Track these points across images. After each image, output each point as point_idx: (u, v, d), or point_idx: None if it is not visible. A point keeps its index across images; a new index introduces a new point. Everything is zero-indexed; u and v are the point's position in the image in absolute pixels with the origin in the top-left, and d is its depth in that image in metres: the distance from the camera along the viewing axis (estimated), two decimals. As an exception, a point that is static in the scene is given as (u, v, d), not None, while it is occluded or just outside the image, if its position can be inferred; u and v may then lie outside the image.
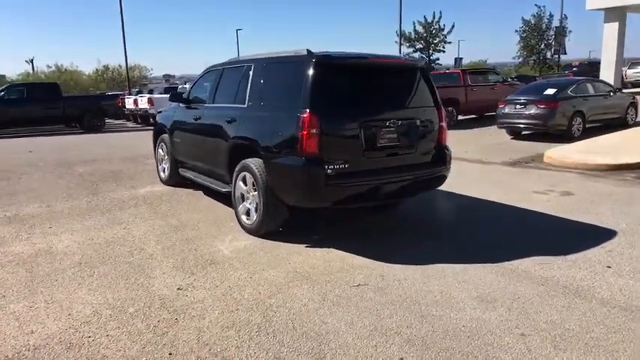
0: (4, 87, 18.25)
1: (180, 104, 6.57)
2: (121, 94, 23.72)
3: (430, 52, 38.15)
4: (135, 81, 49.55)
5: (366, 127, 4.35)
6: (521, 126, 12.41)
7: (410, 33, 37.86)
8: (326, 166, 4.17)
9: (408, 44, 37.56)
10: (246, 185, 4.87)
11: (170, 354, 2.75)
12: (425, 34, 37.80)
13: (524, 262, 4.14)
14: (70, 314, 3.22)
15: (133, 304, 3.36)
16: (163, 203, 6.20)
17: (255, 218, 4.77)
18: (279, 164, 4.36)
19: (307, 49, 4.44)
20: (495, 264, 4.12)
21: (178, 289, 3.63)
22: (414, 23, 37.99)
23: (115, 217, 5.59)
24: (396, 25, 33.60)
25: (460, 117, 16.74)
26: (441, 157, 4.98)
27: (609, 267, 4.07)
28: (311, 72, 4.20)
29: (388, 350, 2.80)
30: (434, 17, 37.91)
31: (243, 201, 4.99)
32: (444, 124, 5.00)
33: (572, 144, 10.74)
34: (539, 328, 3.04)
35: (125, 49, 29.57)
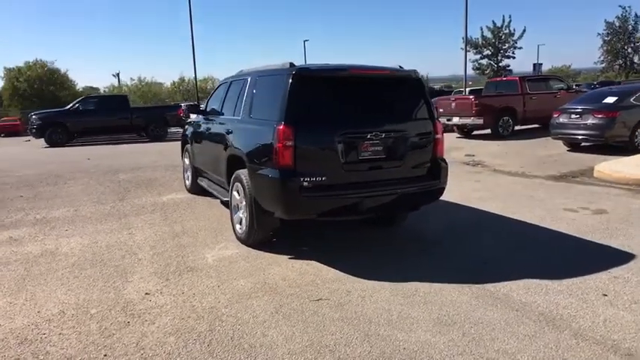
0: (79, 99, 20.03)
1: (200, 115, 6.88)
2: (182, 105, 25.07)
3: (499, 58, 36.54)
4: (208, 92, 52.16)
5: (345, 140, 4.30)
6: (579, 137, 11.55)
7: (477, 39, 36.56)
8: (302, 179, 4.17)
9: (474, 51, 36.29)
10: (239, 195, 4.99)
11: (105, 355, 2.89)
12: (493, 40, 36.29)
13: (510, 285, 3.87)
14: (39, 312, 3.49)
15: (98, 306, 3.57)
16: (178, 210, 6.50)
17: (244, 228, 4.87)
18: (259, 175, 4.43)
19: (290, 62, 4.48)
20: (478, 285, 3.89)
21: (146, 293, 3.79)
22: (481, 29, 36.62)
23: (128, 222, 5.95)
24: (462, 31, 32.55)
25: (518, 127, 15.93)
26: (436, 171, 4.79)
27: (605, 295, 3.70)
28: (289, 85, 4.23)
29: (314, 368, 2.75)
30: (503, 22, 36.33)
31: (238, 210, 5.11)
32: (439, 136, 4.80)
33: (631, 157, 9.82)
34: (486, 357, 2.84)
35: (194, 61, 31.37)
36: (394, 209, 4.85)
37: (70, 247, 5.00)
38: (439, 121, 4.84)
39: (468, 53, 32.48)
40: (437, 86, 34.96)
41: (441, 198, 7.15)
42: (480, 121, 15.14)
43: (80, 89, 48.36)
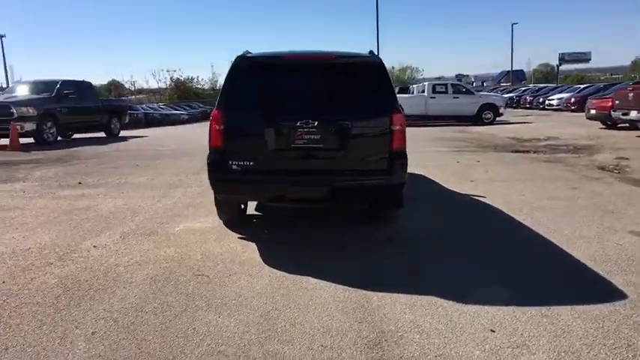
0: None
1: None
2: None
3: None
4: (405, 82, 52.81)
5: (276, 127, 4.28)
6: None
7: None
8: (230, 162, 4.35)
9: None
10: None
11: (3, 282, 3.71)
12: None
13: (401, 299, 3.37)
14: (16, 246, 4.54)
15: (53, 249, 4.44)
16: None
17: (216, 205, 5.29)
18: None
19: (246, 50, 4.65)
20: (366, 292, 3.48)
21: (94, 246, 4.55)
22: None
23: (171, 192, 6.92)
24: None
25: None
26: (391, 166, 4.34)
27: (493, 331, 2.97)
28: (229, 72, 4.44)
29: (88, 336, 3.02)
30: None
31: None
32: (397, 127, 4.31)
33: None
34: (252, 357, 2.69)
35: (378, 50, 32.11)
36: (335, 200, 4.52)
37: (105, 205, 6.17)
38: (400, 111, 4.34)
39: None
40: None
41: (487, 201, 6.30)
42: (665, 117, 11.99)
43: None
